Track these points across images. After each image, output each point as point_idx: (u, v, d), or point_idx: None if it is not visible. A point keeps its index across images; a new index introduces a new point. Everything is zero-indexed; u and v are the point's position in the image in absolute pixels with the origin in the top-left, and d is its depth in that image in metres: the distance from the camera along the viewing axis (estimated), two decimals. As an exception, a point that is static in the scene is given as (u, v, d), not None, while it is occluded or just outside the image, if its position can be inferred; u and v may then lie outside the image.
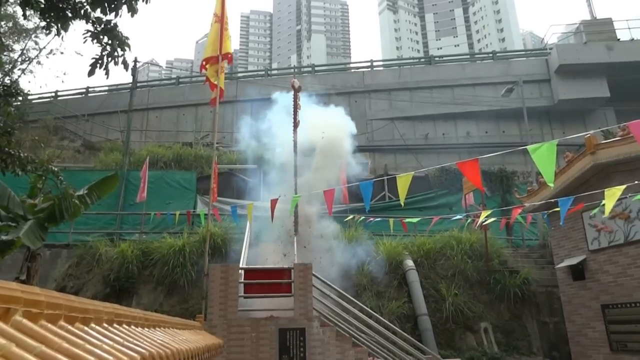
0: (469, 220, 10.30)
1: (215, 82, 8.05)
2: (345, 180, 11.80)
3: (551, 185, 4.02)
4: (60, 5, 4.30)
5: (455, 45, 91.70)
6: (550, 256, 10.78)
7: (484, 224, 8.98)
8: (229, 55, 8.31)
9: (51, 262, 11.03)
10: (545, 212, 8.86)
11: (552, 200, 8.02)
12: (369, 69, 21.95)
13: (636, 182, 6.41)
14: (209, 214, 8.15)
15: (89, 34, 4.48)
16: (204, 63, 8.20)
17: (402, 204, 6.29)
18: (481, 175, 10.94)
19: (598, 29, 19.71)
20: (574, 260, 8.83)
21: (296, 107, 10.82)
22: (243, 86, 19.16)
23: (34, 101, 20.86)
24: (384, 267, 10.40)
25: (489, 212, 9.35)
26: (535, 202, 9.33)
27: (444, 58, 25.45)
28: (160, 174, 14.51)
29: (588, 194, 7.01)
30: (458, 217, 9.62)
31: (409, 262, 10.39)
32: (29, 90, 17.96)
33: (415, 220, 9.29)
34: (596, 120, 19.04)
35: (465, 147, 18.92)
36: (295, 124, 10.69)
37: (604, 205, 5.89)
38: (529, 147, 3.98)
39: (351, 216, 10.41)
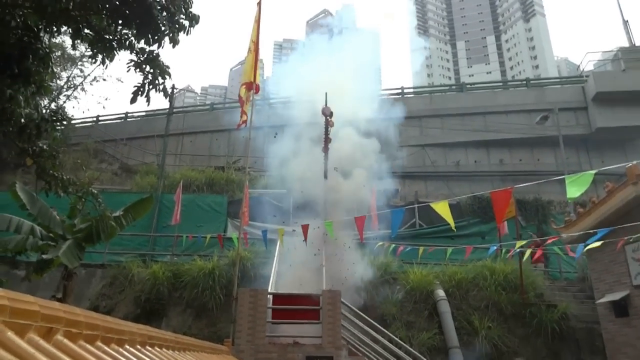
0: (503, 251, 9.99)
1: (244, 109, 8.27)
2: (375, 206, 11.73)
3: (570, 199, 3.90)
4: (107, 37, 4.56)
5: (487, 73, 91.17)
6: (590, 290, 10.28)
7: (534, 257, 8.71)
8: (257, 86, 8.55)
9: (86, 281, 11.32)
10: (583, 244, 8.51)
11: (592, 231, 7.72)
12: (400, 96, 22.02)
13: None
14: (240, 238, 8.24)
15: (133, 63, 4.72)
16: (243, 87, 8.46)
17: (454, 229, 6.21)
18: (515, 204, 10.69)
19: (637, 56, 19.22)
20: (616, 296, 8.39)
21: (327, 134, 10.96)
22: (276, 111, 19.57)
23: (76, 125, 21.87)
24: (414, 297, 10.16)
25: (523, 242, 9.08)
26: (574, 233, 8.99)
27: (476, 85, 25.30)
28: (192, 197, 14.81)
29: (630, 225, 6.71)
30: (493, 247, 9.36)
31: (440, 292, 10.11)
32: (72, 115, 18.87)
33: (449, 251, 9.10)
34: (637, 150, 18.35)
35: (498, 175, 18.55)
36: (326, 150, 10.80)
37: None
38: (567, 178, 3.87)
39: (381, 243, 10.28)
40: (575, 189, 3.82)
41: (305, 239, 7.62)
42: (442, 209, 5.70)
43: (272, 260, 9.13)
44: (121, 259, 12.10)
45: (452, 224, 5.57)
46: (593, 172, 3.74)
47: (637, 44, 20.83)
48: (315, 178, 10.55)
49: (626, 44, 21.08)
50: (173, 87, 16.25)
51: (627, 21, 21.58)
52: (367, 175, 11.51)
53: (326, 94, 11.32)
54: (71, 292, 7.51)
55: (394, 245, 10.15)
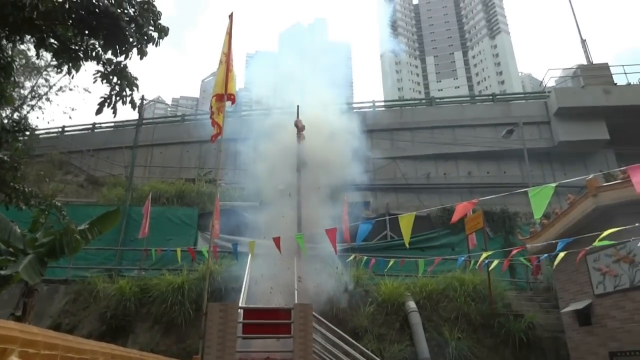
0: (472, 262, 10.17)
1: (217, 120, 8.18)
2: (347, 219, 11.80)
3: (537, 218, 4.06)
4: (73, 47, 4.47)
5: (455, 87, 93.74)
6: (555, 300, 10.58)
7: (488, 266, 8.89)
8: (232, 96, 8.47)
9: (48, 298, 10.87)
10: (548, 254, 8.77)
11: (555, 241, 7.97)
12: (371, 109, 22.35)
13: (637, 224, 6.38)
14: (210, 251, 8.10)
15: (99, 74, 4.63)
16: (214, 98, 8.32)
17: (407, 245, 6.28)
18: (483, 216, 10.92)
19: (595, 73, 20.14)
20: (579, 305, 8.65)
21: (300, 143, 11.00)
22: (246, 123, 19.49)
23: (40, 136, 21.18)
24: (386, 309, 10.21)
25: (490, 252, 9.28)
26: (538, 243, 9.26)
27: (445, 99, 25.96)
28: (162, 210, 14.52)
29: (589, 235, 6.96)
30: (461, 258, 9.53)
31: (411, 304, 10.19)
32: (36, 126, 18.27)
33: (422, 264, 9.20)
34: (597, 162, 19.14)
35: (467, 187, 18.98)
36: (299, 162, 10.83)
37: (602, 244, 5.84)
38: (530, 191, 4.00)
39: (353, 255, 10.30)
40: (541, 205, 3.95)
41: (280, 250, 7.59)
42: (405, 223, 5.78)
43: (243, 273, 9.01)
44: (86, 274, 11.69)
45: (407, 240, 5.64)
46: (554, 184, 3.88)
47: (594, 62, 21.83)
48: (287, 191, 10.55)
49: (584, 62, 22.08)
50: (142, 99, 15.99)
51: (584, 40, 22.61)
52: (338, 187, 11.59)
53: (298, 106, 11.39)
54: (31, 309, 7.18)
55: (365, 257, 10.20)
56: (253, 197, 13.10)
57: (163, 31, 4.77)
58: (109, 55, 4.65)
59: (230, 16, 8.97)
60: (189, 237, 13.94)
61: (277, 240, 7.76)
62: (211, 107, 8.19)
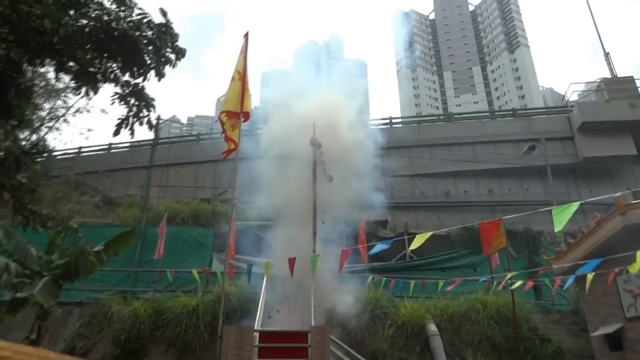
0: (495, 283, 9.98)
1: (231, 136, 8.27)
2: (364, 239, 11.73)
3: (557, 232, 3.98)
4: (92, 70, 4.62)
5: (474, 103, 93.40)
6: (583, 323, 10.27)
7: (512, 287, 8.72)
8: (247, 114, 8.59)
9: (62, 321, 10.99)
10: (574, 275, 8.56)
11: (582, 262, 7.79)
12: (388, 125, 22.36)
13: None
14: (225, 272, 8.12)
15: (117, 96, 4.77)
16: (224, 114, 8.39)
17: (410, 254, 6.24)
18: (506, 235, 10.75)
19: (619, 87, 19.88)
20: (609, 329, 8.38)
21: (316, 165, 11.06)
22: (262, 142, 19.69)
23: (57, 157, 21.71)
24: (406, 332, 10.04)
25: (513, 273, 9.10)
26: (564, 264, 9.05)
27: (464, 115, 25.83)
28: (177, 230, 14.65)
29: (619, 255, 6.78)
30: (484, 279, 9.36)
31: (432, 327, 10.01)
32: (53, 147, 18.77)
33: (442, 285, 9.07)
34: (624, 179, 18.73)
35: (488, 205, 18.72)
36: (315, 181, 10.87)
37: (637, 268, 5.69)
38: (554, 209, 3.95)
39: (371, 276, 10.22)
40: (562, 220, 3.89)
41: (292, 273, 7.56)
42: (419, 238, 5.77)
43: (259, 295, 9.00)
44: (100, 296, 11.81)
45: (412, 247, 5.65)
46: (578, 203, 3.83)
47: (618, 75, 21.57)
48: (304, 210, 10.58)
49: (608, 75, 21.82)
50: (158, 119, 16.33)
51: (608, 53, 22.37)
52: (355, 206, 11.58)
53: (314, 124, 11.48)
54: (46, 332, 7.27)
55: (384, 278, 10.10)
56: (269, 217, 13.15)
57: (180, 53, 4.91)
58: (126, 77, 4.80)
59: (246, 35, 9.18)
60: (204, 258, 14.01)
61: (292, 262, 7.76)
62: (222, 123, 8.28)
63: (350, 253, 8.62)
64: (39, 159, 6.43)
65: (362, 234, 11.88)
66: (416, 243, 5.95)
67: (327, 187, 11.38)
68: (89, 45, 4.59)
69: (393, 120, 23.06)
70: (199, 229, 15.26)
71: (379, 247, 7.49)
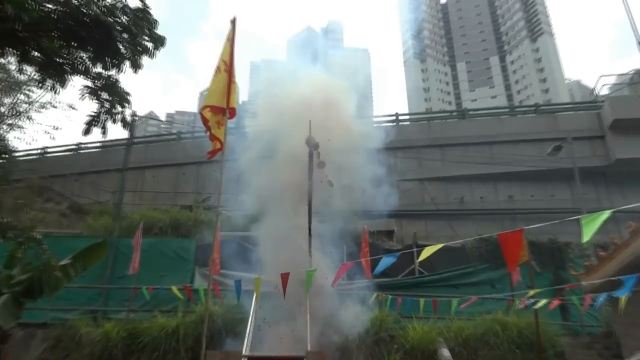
0: (516, 301, 9.99)
1: (216, 134, 8.23)
2: (367, 252, 11.74)
3: (585, 242, 3.98)
4: (59, 60, 4.62)
5: (491, 97, 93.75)
6: (617, 347, 10.28)
7: (536, 306, 8.74)
8: (233, 110, 8.57)
9: (24, 344, 10.94)
10: (606, 293, 8.57)
11: (615, 278, 7.81)
12: (394, 123, 22.42)
13: None
14: (209, 289, 8.10)
15: (88, 90, 4.77)
16: (207, 109, 8.31)
17: (419, 269, 6.25)
18: (528, 248, 10.78)
19: (656, 80, 20.04)
20: (646, 354, 8.40)
21: (312, 167, 11.06)
22: (251, 141, 19.63)
23: (19, 159, 21.65)
24: (415, 357, 10.03)
25: (537, 291, 9.12)
26: (595, 280, 9.07)
27: (480, 111, 25.94)
28: (154, 242, 14.61)
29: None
30: (503, 297, 9.37)
31: (445, 352, 10.00)
32: (15, 147, 18.71)
33: (456, 304, 9.07)
34: (662, 183, 18.82)
35: (508, 214, 18.77)
36: (310, 185, 10.88)
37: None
38: (582, 218, 3.97)
39: (375, 294, 10.22)
40: (591, 230, 3.91)
41: (284, 291, 7.55)
42: (428, 250, 5.79)
43: (248, 315, 8.98)
44: (67, 316, 11.76)
45: (421, 257, 5.67)
46: (609, 211, 3.85)
47: (655, 67, 21.73)
48: (298, 224, 10.61)
49: (643, 67, 21.98)
50: (134, 115, 16.32)
51: (642, 41, 22.53)
52: (357, 214, 11.61)
53: (310, 122, 11.50)
54: (6, 357, 7.25)
55: (390, 296, 10.10)
56: (260, 226, 13.14)
57: (159, 41, 4.92)
58: (98, 68, 4.80)
59: (233, 21, 9.18)
60: (185, 273, 13.97)
61: (285, 278, 7.75)
62: (205, 120, 8.21)
63: (350, 267, 8.61)
64: (-2, 161, 6.41)
65: (365, 246, 11.87)
66: (425, 254, 5.96)
67: (325, 193, 11.39)
68: (56, 33, 4.59)
69: (400, 117, 23.15)
70: (179, 240, 15.23)
71: (385, 261, 7.49)
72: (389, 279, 13.68)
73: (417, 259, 14.34)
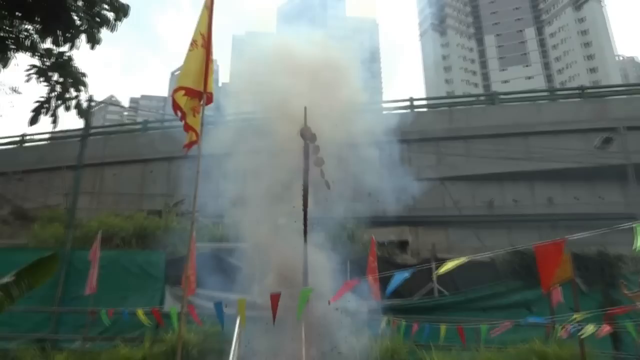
0: (557, 328, 9.99)
1: (192, 124, 8.19)
2: (375, 267, 11.74)
3: (638, 249, 3.97)
4: (0, 35, 4.60)
5: (526, 78, 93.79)
6: (681, 383, 10.31)
7: (581, 333, 8.74)
8: (210, 95, 8.54)
9: (-44, 381, 10.93)
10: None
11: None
12: (408, 110, 22.41)
13: None
14: (182, 313, 8.09)
15: (35, 70, 4.75)
16: (181, 92, 8.21)
17: (439, 287, 6.26)
18: (572, 262, 10.79)
19: None
20: None
21: (307, 164, 11.05)
22: (233, 132, 19.52)
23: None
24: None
25: (583, 315, 9.12)
26: (653, 301, 9.09)
27: (512, 95, 25.91)
28: (116, 255, 14.61)
29: None
30: (540, 322, 9.38)
31: (471, 389, 10.04)
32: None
33: (484, 330, 9.07)
34: None
35: (547, 220, 18.77)
36: (306, 186, 10.87)
37: None
38: (638, 227, 3.97)
39: (386, 318, 10.23)
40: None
41: (274, 317, 7.53)
42: (447, 267, 5.80)
43: (230, 345, 8.98)
44: (9, 345, 11.76)
45: (440, 271, 5.68)
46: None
47: None
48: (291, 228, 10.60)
49: None
50: (90, 101, 16.28)
51: None
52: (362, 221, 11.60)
53: (305, 108, 11.48)
54: None
55: (404, 321, 10.11)
56: (243, 236, 13.14)
57: (122, 10, 4.91)
58: (48, 44, 4.78)
59: (212, -15, 9.16)
60: (154, 293, 13.97)
61: (275, 299, 7.73)
62: (177, 105, 8.14)
63: (354, 285, 8.61)
64: None
65: (373, 260, 11.87)
66: (446, 269, 5.97)
67: (324, 196, 11.38)
68: (-5, 0, 4.56)
69: (415, 103, 23.13)
70: (146, 252, 15.23)
71: (397, 278, 7.49)
72: (402, 300, 13.69)
73: (437, 275, 14.35)
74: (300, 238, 10.50)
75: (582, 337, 9.48)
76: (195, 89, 8.24)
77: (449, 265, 6.16)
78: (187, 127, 8.11)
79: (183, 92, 8.10)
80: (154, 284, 14.22)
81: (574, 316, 8.89)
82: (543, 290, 6.16)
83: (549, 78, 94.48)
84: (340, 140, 12.06)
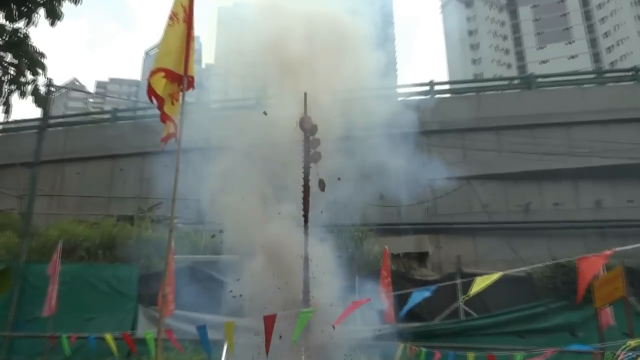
0: (608, 355, 9.99)
1: (170, 113, 8.16)
2: (389, 283, 11.75)
3: None
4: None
5: (569, 57, 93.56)
6: None
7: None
8: (192, 80, 8.52)
9: None
10: None
11: None
12: (428, 96, 22.36)
13: None
14: (159, 338, 8.10)
15: (-17, 48, 4.74)
16: (160, 75, 8.14)
17: (465, 308, 6.26)
18: (625, 277, 10.80)
19: None
20: None
21: (308, 160, 11.06)
22: (220, 123, 19.44)
23: None
24: None
25: (638, 341, 9.11)
26: None
27: (552, 79, 25.86)
28: (79, 269, 14.62)
29: None
30: (587, 349, 9.36)
31: None
32: None
33: (519, 358, 9.06)
34: None
35: (595, 227, 18.73)
36: (306, 186, 10.88)
37: None
38: None
39: (402, 345, 10.24)
40: None
41: (268, 344, 7.53)
42: (480, 282, 5.79)
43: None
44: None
45: (470, 293, 5.66)
46: None
47: None
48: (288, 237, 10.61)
49: None
50: (50, 86, 16.26)
51: None
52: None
53: (305, 94, 11.48)
54: None
55: (423, 349, 10.10)
56: (232, 247, 13.15)
57: (86, -23, 4.89)
58: (0, 19, 4.77)
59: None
60: (124, 315, 13.98)
61: (269, 321, 7.73)
62: (153, 91, 8.07)
63: (363, 305, 8.61)
64: None
65: (387, 275, 11.88)
66: (476, 287, 5.96)
67: (328, 197, 11.38)
68: None
69: (436, 87, 23.10)
70: (115, 266, 15.24)
71: (416, 297, 7.48)
72: (421, 323, 13.70)
73: (463, 294, 14.33)
74: (301, 249, 10.51)
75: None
76: (176, 72, 8.22)
77: (480, 285, 6.13)
78: (165, 117, 8.10)
79: (162, 74, 8.07)
80: (124, 304, 14.22)
81: (628, 342, 8.87)
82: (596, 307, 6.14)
83: (595, 58, 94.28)
84: (346, 131, 12.05)
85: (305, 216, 10.66)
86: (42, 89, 5.15)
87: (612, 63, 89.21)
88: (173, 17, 8.32)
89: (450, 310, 14.61)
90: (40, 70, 4.72)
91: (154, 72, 7.99)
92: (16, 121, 23.98)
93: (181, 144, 8.11)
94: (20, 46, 4.62)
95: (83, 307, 13.73)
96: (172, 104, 8.16)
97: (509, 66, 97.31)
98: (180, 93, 8.32)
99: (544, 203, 19.84)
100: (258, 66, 12.96)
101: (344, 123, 12.01)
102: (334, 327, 8.50)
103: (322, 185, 11.07)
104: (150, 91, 8.00)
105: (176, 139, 8.09)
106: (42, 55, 4.65)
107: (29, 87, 4.84)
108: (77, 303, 13.65)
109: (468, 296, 6.34)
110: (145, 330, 12.80)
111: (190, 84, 8.46)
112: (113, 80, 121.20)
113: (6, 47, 4.71)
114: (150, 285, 14.29)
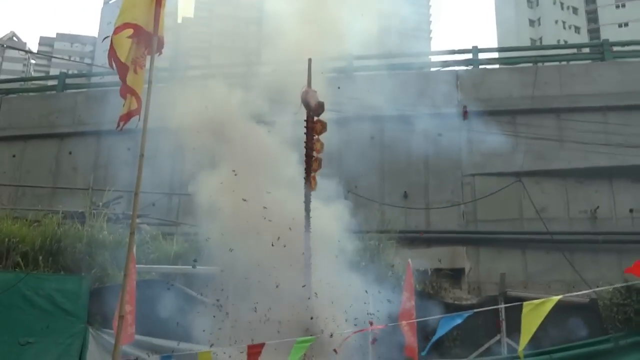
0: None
1: (132, 85, 8.17)
2: (413, 307, 11.81)
3: None
4: None
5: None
6: None
7: None
8: (160, 40, 8.54)
9: None
10: None
11: None
12: (470, 67, 22.34)
13: None
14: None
15: None
16: (126, 32, 8.13)
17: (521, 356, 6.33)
18: None
19: None
20: None
21: (311, 144, 11.12)
22: (202, 95, 19.36)
23: None
24: None
25: None
26: None
27: (632, 47, 25.79)
28: (13, 279, 14.69)
29: None
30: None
31: None
32: None
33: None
34: None
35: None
36: (310, 176, 10.94)
37: None
38: None
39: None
40: None
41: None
42: (532, 315, 5.84)
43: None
44: None
45: (522, 345, 5.71)
46: None
47: None
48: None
49: None
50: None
51: None
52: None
53: (310, 60, 11.52)
54: None
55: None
56: (210, 257, 13.22)
57: None
58: None
59: None
60: (71, 340, 14.05)
61: (254, 352, 7.80)
62: (116, 55, 8.11)
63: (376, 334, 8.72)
64: None
65: (410, 296, 11.94)
66: (529, 325, 5.99)
67: (329, 195, 11.44)
68: None
69: (480, 55, 23.06)
70: (60, 277, 15.30)
71: (446, 324, 7.54)
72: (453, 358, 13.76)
73: (507, 323, 14.38)
74: (300, 261, 10.58)
75: None
76: (142, 27, 8.22)
77: (532, 314, 6.14)
78: (125, 90, 8.09)
79: (130, 31, 8.08)
80: (71, 326, 14.29)
81: None
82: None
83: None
84: (357, 108, 12.08)
85: (307, 217, 10.73)
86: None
87: None
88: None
89: (490, 344, 14.65)
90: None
91: (118, 29, 7.99)
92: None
93: (147, 122, 8.14)
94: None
95: (17, 329, 13.77)
96: (136, 71, 8.15)
97: (577, 30, 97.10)
98: (148, 58, 8.34)
99: (617, 208, 19.81)
100: (251, 21, 13.00)
101: (355, 99, 12.03)
102: (335, 352, 8.58)
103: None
104: (112, 53, 8.00)
105: (140, 117, 8.10)
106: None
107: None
108: (10, 324, 13.70)
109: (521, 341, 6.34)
110: (96, 359, 12.89)
111: (160, 46, 8.48)
112: (62, 37, 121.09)
113: None
114: (103, 302, 14.33)
